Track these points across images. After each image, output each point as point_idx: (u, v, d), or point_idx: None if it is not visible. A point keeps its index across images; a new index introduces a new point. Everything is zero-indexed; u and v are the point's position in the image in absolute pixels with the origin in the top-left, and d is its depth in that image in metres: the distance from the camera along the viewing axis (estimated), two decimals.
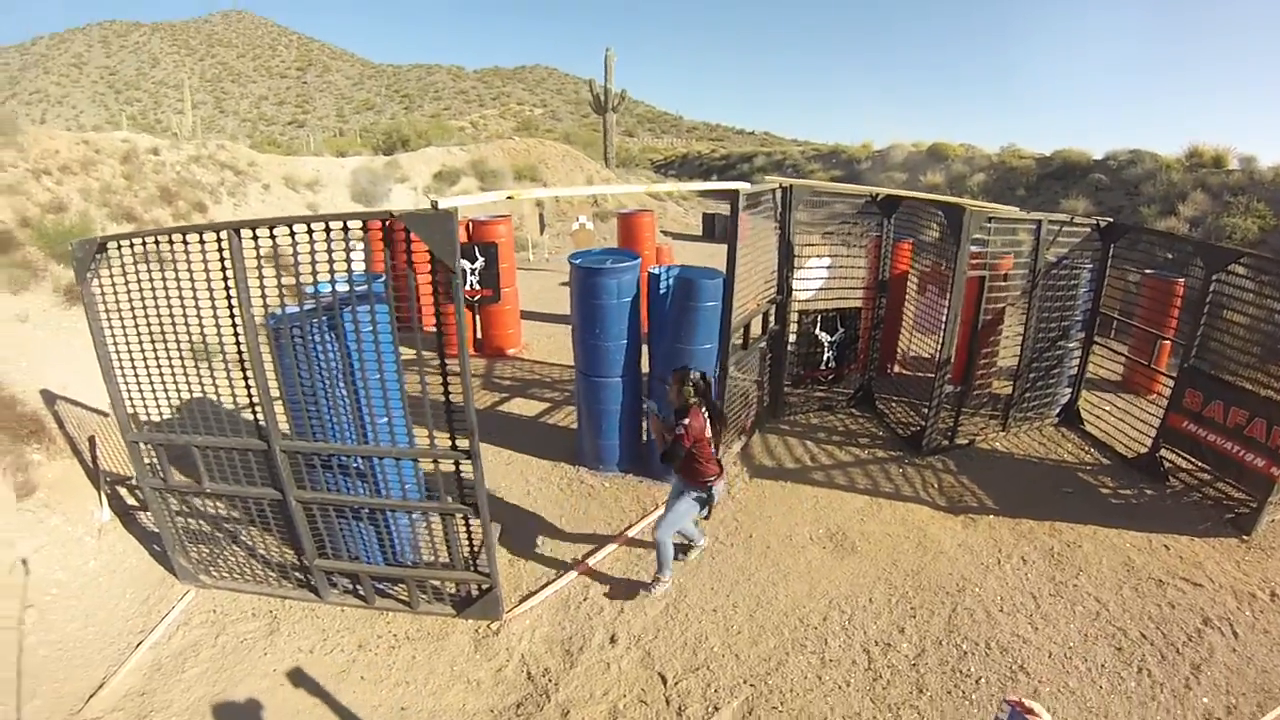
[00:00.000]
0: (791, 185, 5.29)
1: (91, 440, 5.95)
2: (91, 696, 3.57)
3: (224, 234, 3.45)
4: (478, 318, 7.68)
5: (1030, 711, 1.52)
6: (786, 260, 5.40)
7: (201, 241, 3.53)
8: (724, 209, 17.04)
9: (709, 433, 3.78)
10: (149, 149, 10.75)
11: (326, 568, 3.93)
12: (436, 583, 3.86)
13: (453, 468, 3.46)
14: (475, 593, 3.78)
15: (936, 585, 4.07)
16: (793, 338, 5.74)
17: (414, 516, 3.97)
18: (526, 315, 8.59)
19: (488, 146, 18.18)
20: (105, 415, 6.57)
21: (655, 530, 3.96)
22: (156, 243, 3.69)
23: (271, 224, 3.42)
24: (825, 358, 5.85)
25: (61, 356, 6.74)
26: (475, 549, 3.66)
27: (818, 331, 5.75)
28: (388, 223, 3.15)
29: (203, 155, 11.56)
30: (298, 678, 3.54)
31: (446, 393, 3.24)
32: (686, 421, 3.67)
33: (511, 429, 6.03)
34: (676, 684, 3.39)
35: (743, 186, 4.62)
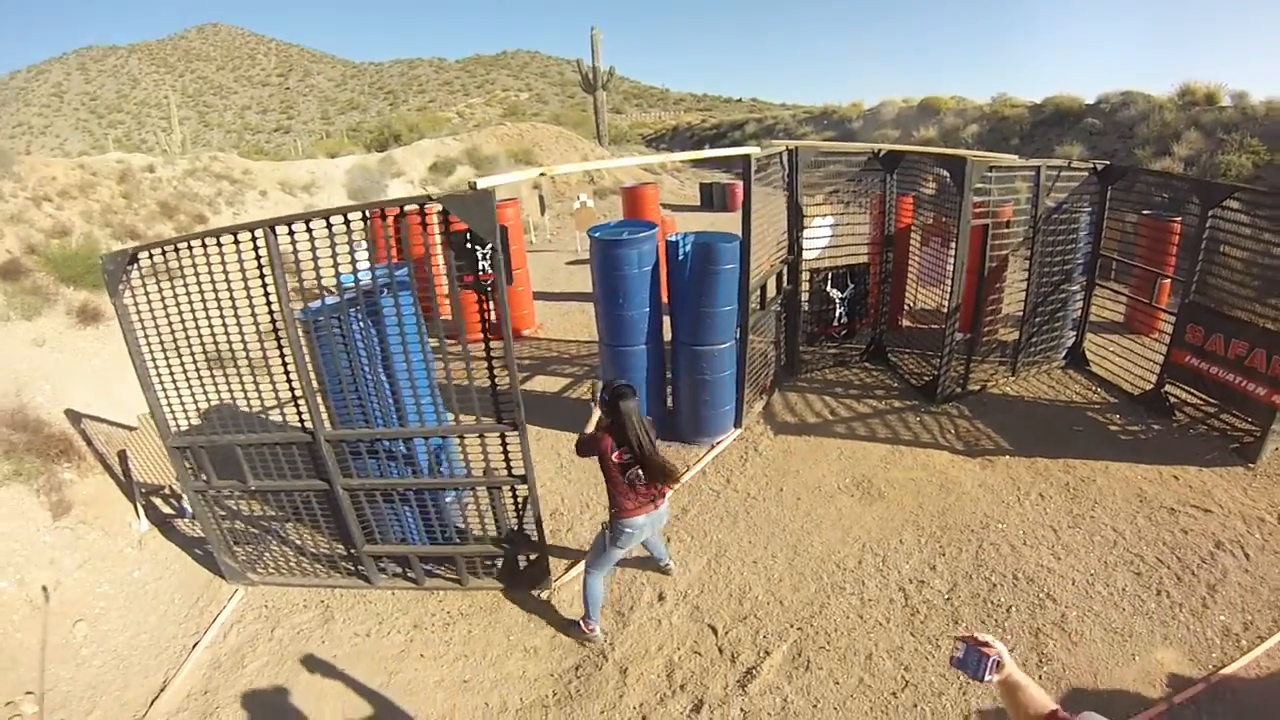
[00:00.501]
0: (797, 147, 5.40)
1: (122, 454, 6.10)
2: (154, 701, 3.72)
3: (259, 232, 3.52)
4: (491, 301, 7.79)
5: (985, 645, 1.54)
6: (795, 221, 5.53)
7: (236, 242, 3.60)
8: (721, 178, 17.10)
9: (624, 457, 3.34)
10: (144, 167, 10.85)
11: (375, 553, 4.08)
12: (485, 558, 4.02)
13: (499, 441, 3.62)
14: (524, 564, 3.95)
15: (961, 524, 4.30)
16: (805, 296, 5.90)
17: (457, 493, 4.15)
18: (538, 296, 8.71)
19: (480, 134, 18.17)
20: (131, 429, 6.76)
21: (584, 572, 3.65)
22: (190, 248, 3.76)
23: (306, 217, 3.50)
24: (837, 314, 6.03)
25: (80, 376, 6.93)
26: (522, 520, 3.82)
27: (829, 289, 5.91)
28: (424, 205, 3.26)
29: (197, 168, 11.59)
30: (358, 660, 3.71)
31: (490, 368, 3.38)
32: (590, 431, 3.41)
33: (537, 406, 6.20)
34: (727, 633, 3.61)
35: (753, 151, 4.74)
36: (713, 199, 15.76)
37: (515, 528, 3.82)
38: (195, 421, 4.27)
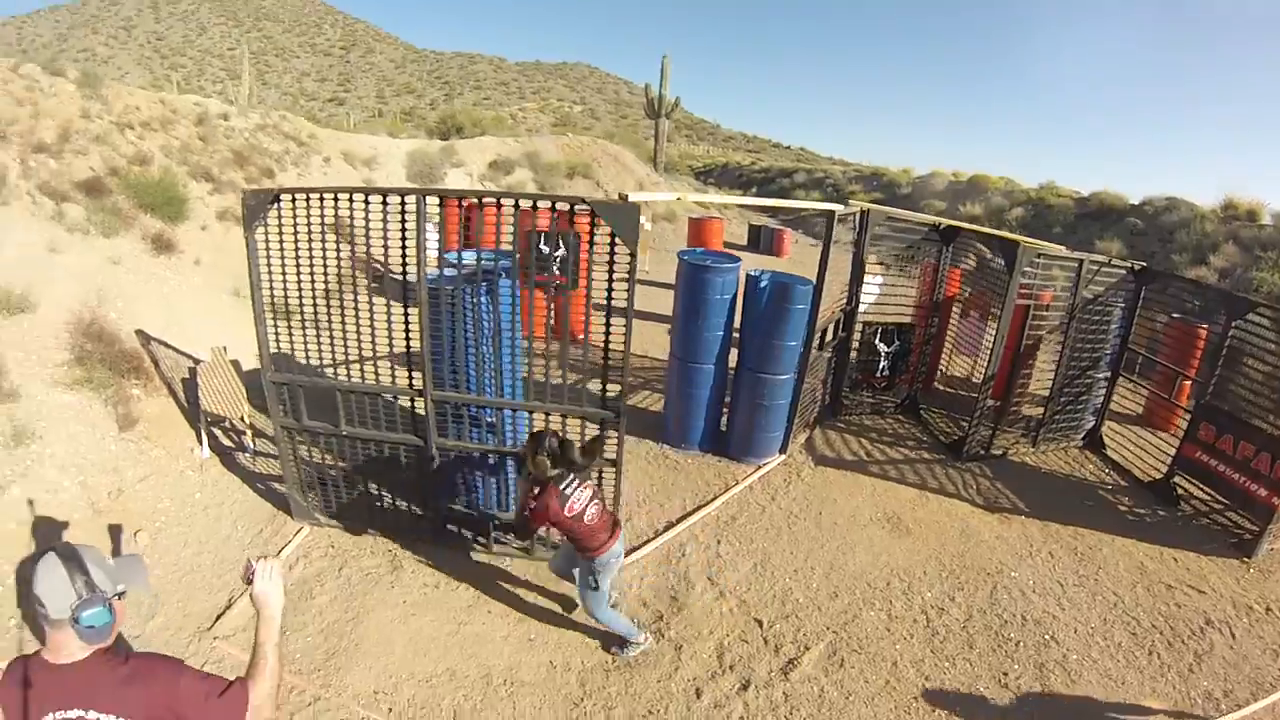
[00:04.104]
0: (869, 209, 6.32)
1: (192, 381, 6.73)
2: (220, 616, 4.23)
3: (410, 198, 4.15)
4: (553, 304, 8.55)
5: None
6: (858, 275, 6.43)
7: (384, 203, 4.20)
8: (769, 223, 18.26)
9: (575, 507, 3.54)
10: (219, 114, 11.67)
11: (453, 513, 4.76)
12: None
13: (599, 425, 4.38)
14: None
15: (978, 567, 5.09)
16: (855, 345, 6.78)
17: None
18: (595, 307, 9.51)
19: (542, 140, 19.30)
20: (198, 360, 7.42)
21: (592, 615, 3.99)
22: (336, 200, 4.32)
23: (460, 195, 4.26)
24: (881, 366, 6.90)
25: (150, 301, 7.54)
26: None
27: (877, 342, 6.80)
28: (574, 205, 3.97)
29: (267, 124, 12.43)
30: (427, 608, 4.29)
31: (606, 356, 4.13)
32: (534, 506, 3.52)
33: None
34: (771, 627, 4.35)
35: (837, 208, 5.65)
36: (759, 241, 16.77)
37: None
38: (300, 361, 4.84)
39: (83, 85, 9.76)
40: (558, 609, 4.39)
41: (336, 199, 4.33)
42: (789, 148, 73.88)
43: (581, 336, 5.10)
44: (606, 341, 4.14)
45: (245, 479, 5.85)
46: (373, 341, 4.61)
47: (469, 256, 4.44)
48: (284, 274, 4.57)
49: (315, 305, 4.64)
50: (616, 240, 3.93)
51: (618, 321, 4.08)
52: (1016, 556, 5.26)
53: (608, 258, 4.00)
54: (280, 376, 4.82)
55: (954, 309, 7.37)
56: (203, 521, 5.28)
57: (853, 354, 6.86)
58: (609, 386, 4.30)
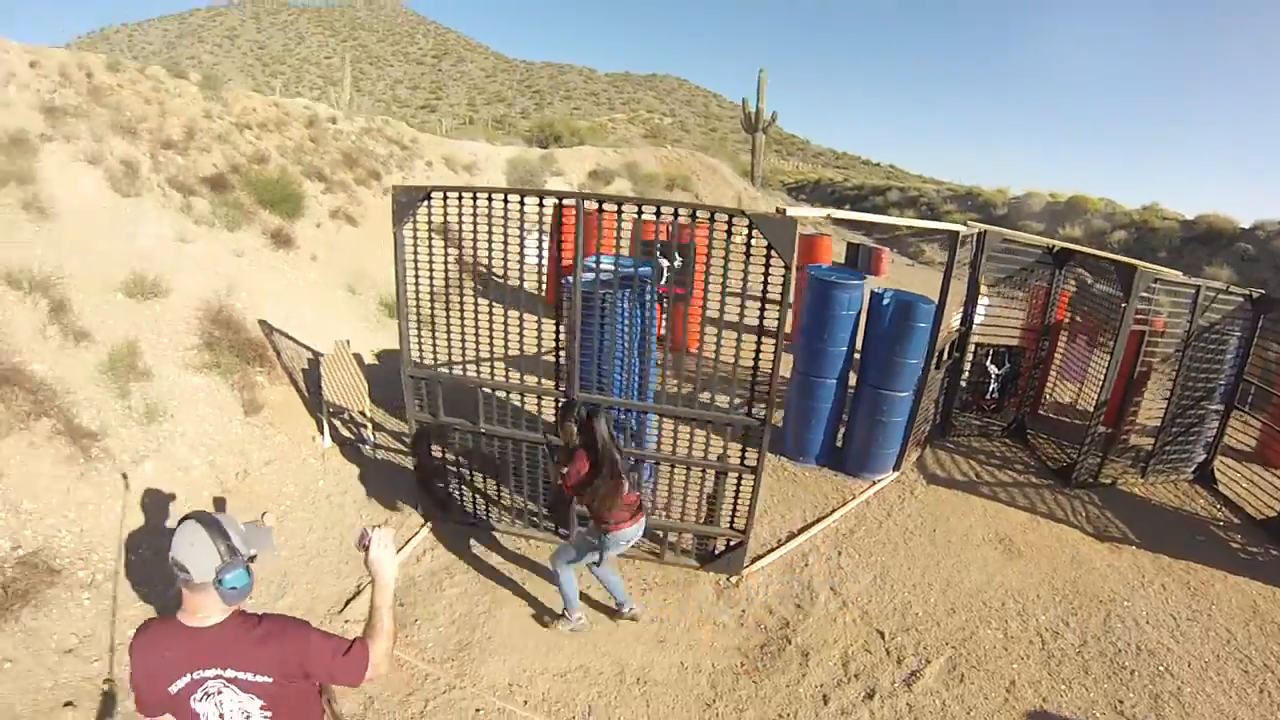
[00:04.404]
0: (986, 231, 6.49)
1: (316, 372, 7.19)
2: (350, 601, 4.54)
3: (568, 201, 4.38)
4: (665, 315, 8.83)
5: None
6: (973, 297, 6.61)
7: (541, 205, 4.51)
8: (866, 241, 18.38)
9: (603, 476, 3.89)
10: (327, 117, 12.41)
11: (584, 513, 4.87)
12: (697, 536, 5.03)
13: (743, 432, 4.67)
14: (722, 548, 4.99)
15: (1091, 594, 5.27)
16: (967, 366, 6.97)
17: (653, 470, 5.18)
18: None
19: (640, 151, 19.99)
20: (318, 354, 7.89)
21: (553, 565, 4.32)
22: (490, 199, 4.51)
23: (619, 200, 4.37)
24: (991, 388, 7.08)
25: (271, 293, 8.06)
26: (736, 508, 4.86)
27: (989, 363, 6.97)
28: (733, 216, 4.19)
29: (371, 129, 13.09)
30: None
31: (756, 367, 4.41)
32: (565, 471, 3.96)
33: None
34: (893, 639, 4.63)
35: (961, 228, 5.85)
36: (857, 260, 16.91)
37: (730, 514, 4.88)
38: (441, 357, 5.08)
39: (204, 87, 10.50)
40: (685, 612, 4.71)
41: (490, 198, 4.57)
42: (878, 164, 74.31)
43: (692, 347, 5.34)
44: (758, 348, 4.38)
45: (366, 470, 6.25)
46: (520, 341, 4.89)
47: (607, 263, 4.73)
48: (431, 270, 4.85)
49: (462, 302, 4.93)
50: (772, 253, 4.12)
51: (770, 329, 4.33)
52: (1129, 587, 5.42)
53: (762, 270, 4.20)
54: (420, 372, 5.13)
55: (1061, 333, 7.47)
56: (326, 509, 5.66)
57: (964, 375, 7.04)
58: (739, 393, 4.58)
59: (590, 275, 4.64)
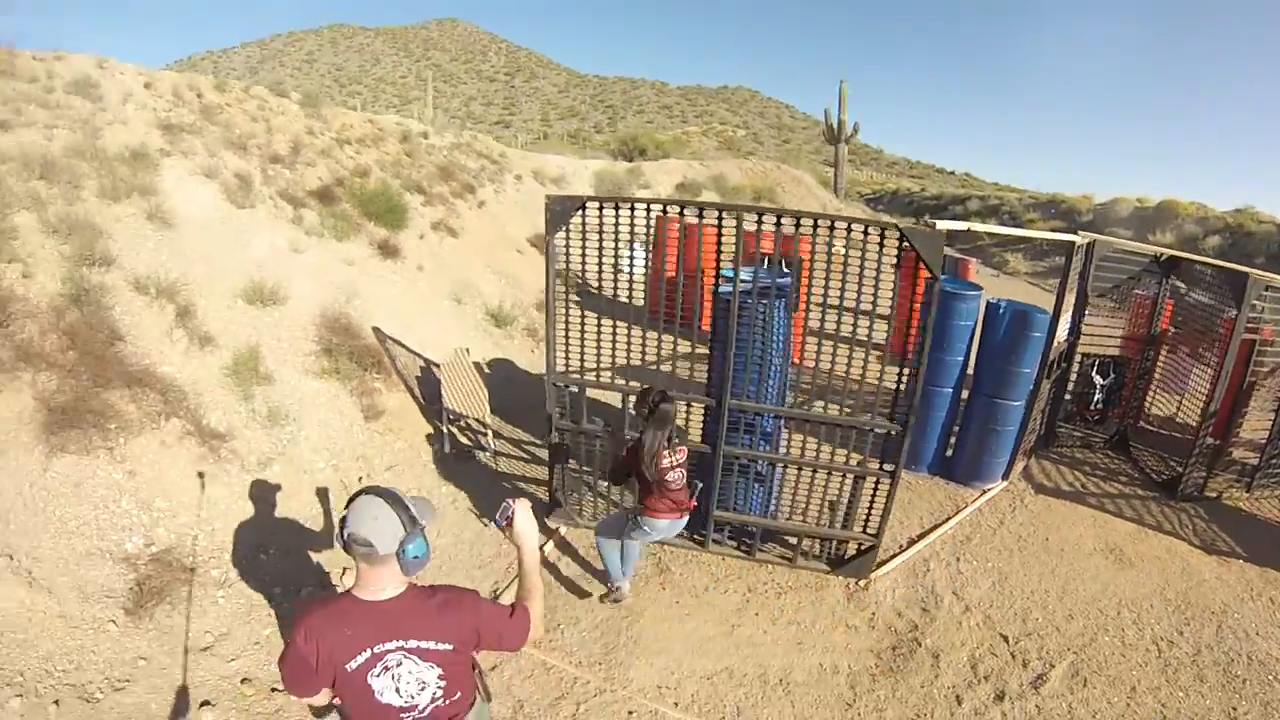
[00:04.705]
0: (1095, 240, 6.69)
1: (426, 376, 7.53)
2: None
3: (728, 214, 4.63)
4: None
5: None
6: (1080, 307, 6.84)
7: (698, 216, 4.70)
8: (950, 251, 18.58)
9: (662, 463, 4.25)
10: (419, 132, 13.02)
11: (722, 519, 5.36)
12: (829, 540, 5.40)
13: (883, 436, 4.99)
14: (852, 552, 5.37)
15: (1202, 605, 5.55)
16: (1073, 377, 7.22)
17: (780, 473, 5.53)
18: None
19: (726, 164, 20.76)
20: (432, 363, 8.17)
21: (598, 540, 4.73)
22: (648, 209, 4.76)
23: (779, 213, 4.58)
24: (1096, 399, 7.33)
25: (382, 301, 8.55)
26: (870, 511, 5.21)
27: (1094, 374, 7.22)
28: (884, 229, 4.52)
29: (461, 143, 13.65)
30: (699, 610, 4.92)
31: (900, 373, 4.75)
32: (630, 447, 4.33)
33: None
34: (1017, 643, 4.99)
35: (1076, 239, 6.10)
36: (944, 268, 17.02)
37: (864, 517, 5.25)
38: (586, 365, 5.26)
39: (305, 105, 11.13)
40: (819, 615, 5.09)
41: (649, 209, 4.78)
42: (952, 173, 75.53)
43: (797, 360, 5.64)
44: (904, 353, 4.74)
45: (489, 478, 6.61)
46: (674, 348, 5.25)
47: (746, 273, 5.05)
48: (582, 277, 5.21)
49: (616, 309, 5.29)
50: (921, 264, 4.48)
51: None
52: (1238, 599, 5.69)
53: (911, 281, 4.59)
54: (564, 379, 5.40)
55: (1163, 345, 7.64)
56: (453, 515, 5.96)
57: (1070, 385, 7.29)
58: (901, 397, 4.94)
59: (733, 286, 4.75)
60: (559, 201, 4.86)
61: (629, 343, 5.19)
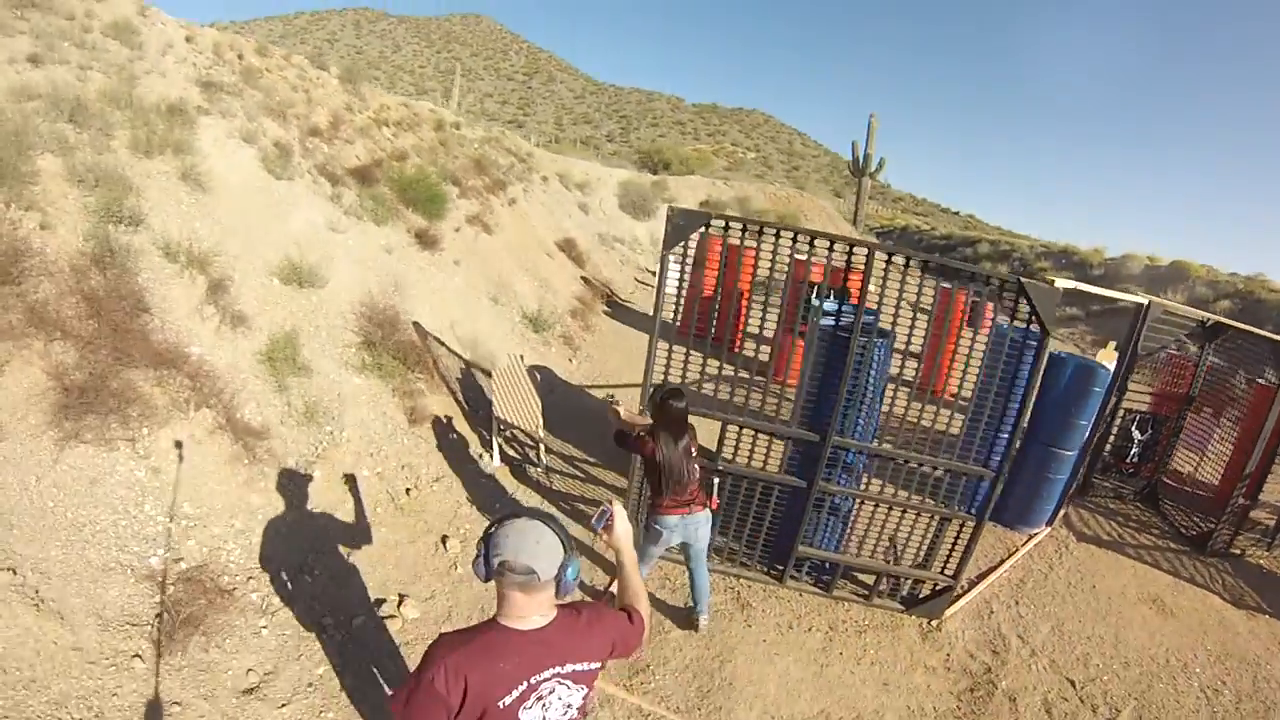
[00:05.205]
0: (1151, 302, 7.19)
1: (470, 381, 7.36)
2: None
3: (859, 248, 4.73)
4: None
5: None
6: (1131, 364, 7.32)
7: (830, 248, 4.81)
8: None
9: (665, 451, 4.32)
10: (451, 123, 12.97)
11: (805, 555, 5.49)
12: (911, 580, 5.67)
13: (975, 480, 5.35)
14: (927, 592, 5.66)
15: (1239, 656, 6.00)
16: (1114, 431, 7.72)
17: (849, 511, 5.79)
18: None
19: (750, 186, 21.51)
20: (471, 365, 8.00)
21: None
22: (778, 235, 4.73)
23: (908, 255, 4.79)
24: (1132, 453, 7.83)
25: (422, 294, 8.41)
26: (952, 552, 5.51)
27: (1133, 429, 7.72)
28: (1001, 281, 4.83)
29: (490, 138, 13.74)
30: (786, 649, 5.03)
31: (1002, 420, 5.13)
32: (638, 436, 4.42)
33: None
34: (1083, 688, 5.34)
35: (1146, 300, 6.56)
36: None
37: (945, 557, 5.56)
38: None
39: (344, 80, 11.02)
40: (898, 655, 5.32)
41: (778, 234, 4.73)
42: (956, 213, 78.28)
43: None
44: (1006, 405, 5.08)
45: (544, 495, 6.53)
46: (783, 380, 5.34)
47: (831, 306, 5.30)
48: (683, 297, 5.20)
49: (712, 331, 5.49)
50: (1034, 318, 4.77)
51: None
52: (1269, 651, 6.17)
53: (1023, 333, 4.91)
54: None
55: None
56: None
57: (1110, 439, 7.78)
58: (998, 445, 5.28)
59: (851, 320, 4.93)
60: (682, 215, 4.68)
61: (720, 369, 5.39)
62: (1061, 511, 7.43)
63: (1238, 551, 7.49)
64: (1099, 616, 6.13)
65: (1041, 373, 5.03)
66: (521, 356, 7.48)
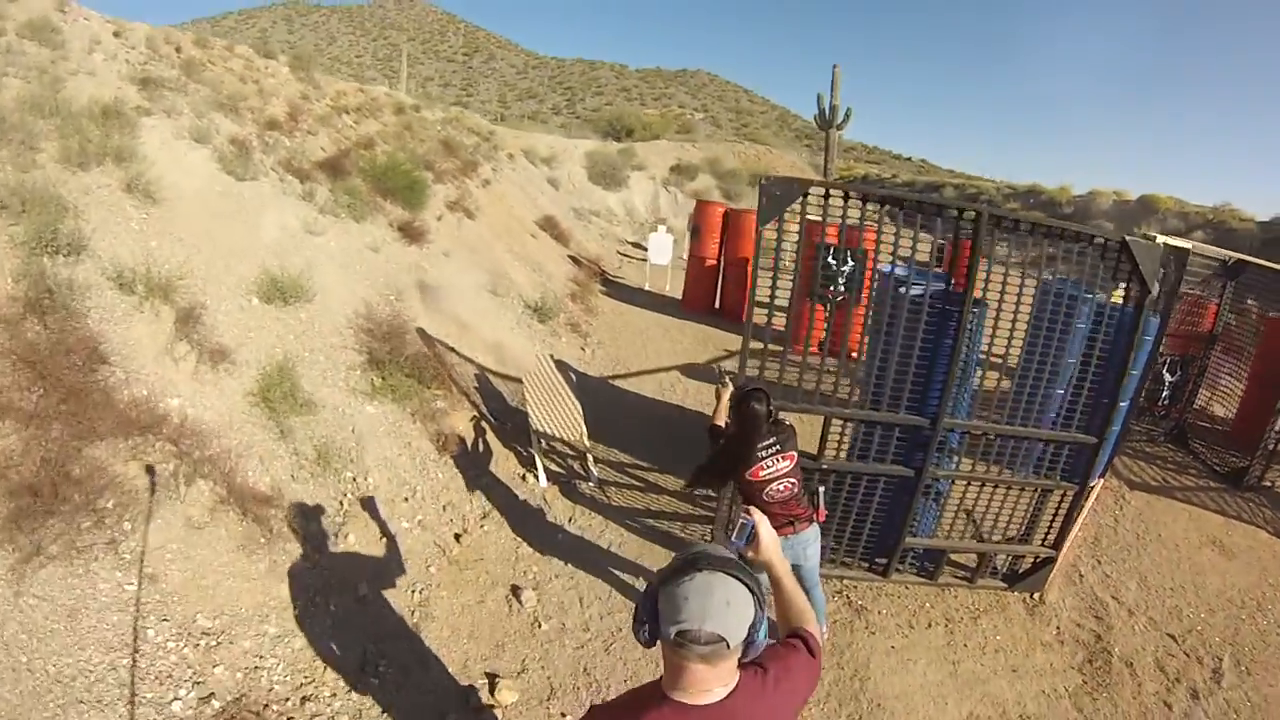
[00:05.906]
0: (1191, 249, 7.46)
1: (490, 389, 6.88)
2: None
3: (968, 212, 4.73)
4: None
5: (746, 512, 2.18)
6: (1169, 309, 7.60)
7: (938, 214, 4.82)
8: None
9: (762, 473, 3.96)
10: (410, 105, 12.36)
11: (912, 545, 5.41)
12: (1015, 556, 5.79)
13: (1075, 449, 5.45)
14: (1028, 566, 5.79)
15: None
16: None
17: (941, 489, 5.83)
18: None
19: (720, 147, 21.79)
20: (485, 370, 7.53)
21: None
22: (883, 205, 4.76)
23: (1016, 219, 4.87)
24: (1164, 395, 8.20)
25: (419, 295, 7.97)
26: (1053, 523, 5.64)
27: (1164, 371, 8.07)
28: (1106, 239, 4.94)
29: (450, 118, 13.07)
30: (916, 653, 5.02)
31: (1102, 387, 5.22)
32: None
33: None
34: (1183, 641, 5.60)
35: (1186, 244, 6.76)
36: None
37: (1046, 530, 5.67)
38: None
39: (296, 68, 10.21)
40: (1015, 637, 5.41)
41: (882, 204, 4.75)
42: (908, 159, 79.43)
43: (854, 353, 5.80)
44: (1105, 371, 5.20)
45: (603, 513, 6.09)
46: (894, 362, 5.02)
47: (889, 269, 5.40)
48: (790, 276, 4.76)
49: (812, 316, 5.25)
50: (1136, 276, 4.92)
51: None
52: None
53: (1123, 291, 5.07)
54: None
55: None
56: (584, 574, 5.31)
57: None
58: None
59: (962, 293, 4.88)
60: (778, 184, 4.33)
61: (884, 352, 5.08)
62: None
63: (1269, 484, 8.02)
64: (1173, 565, 6.44)
65: (1140, 333, 5.08)
66: (551, 356, 7.09)
